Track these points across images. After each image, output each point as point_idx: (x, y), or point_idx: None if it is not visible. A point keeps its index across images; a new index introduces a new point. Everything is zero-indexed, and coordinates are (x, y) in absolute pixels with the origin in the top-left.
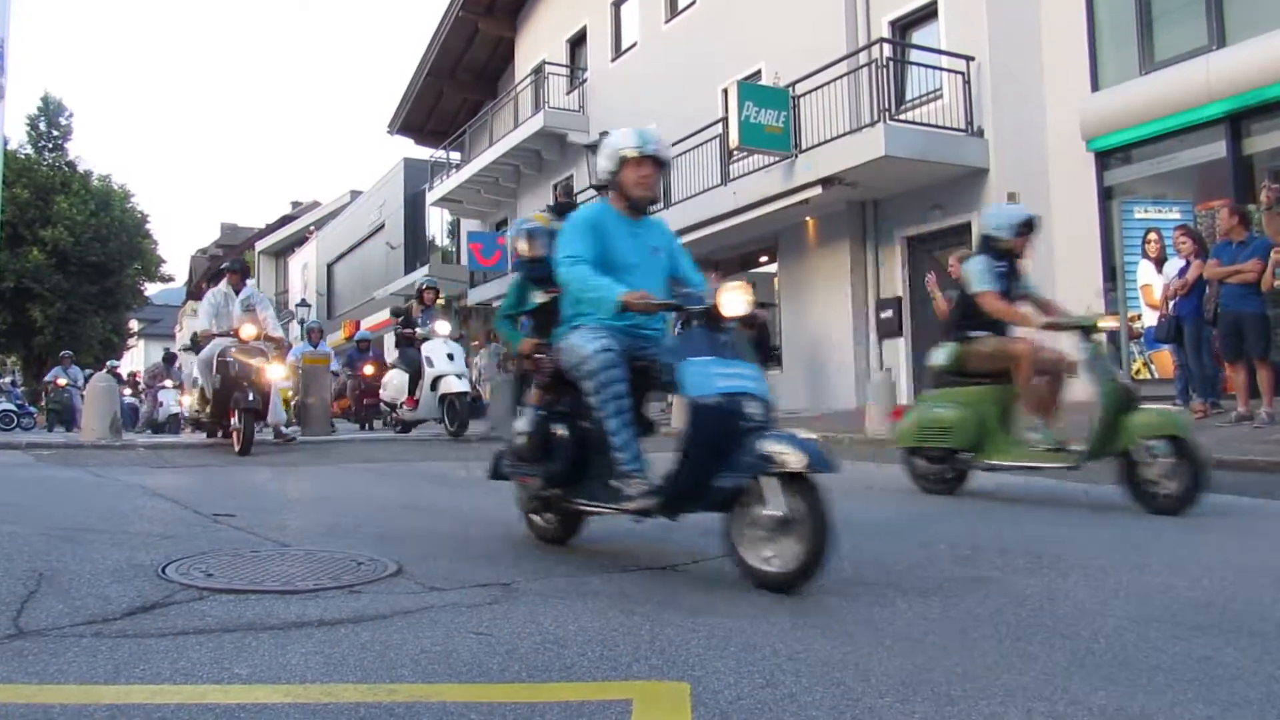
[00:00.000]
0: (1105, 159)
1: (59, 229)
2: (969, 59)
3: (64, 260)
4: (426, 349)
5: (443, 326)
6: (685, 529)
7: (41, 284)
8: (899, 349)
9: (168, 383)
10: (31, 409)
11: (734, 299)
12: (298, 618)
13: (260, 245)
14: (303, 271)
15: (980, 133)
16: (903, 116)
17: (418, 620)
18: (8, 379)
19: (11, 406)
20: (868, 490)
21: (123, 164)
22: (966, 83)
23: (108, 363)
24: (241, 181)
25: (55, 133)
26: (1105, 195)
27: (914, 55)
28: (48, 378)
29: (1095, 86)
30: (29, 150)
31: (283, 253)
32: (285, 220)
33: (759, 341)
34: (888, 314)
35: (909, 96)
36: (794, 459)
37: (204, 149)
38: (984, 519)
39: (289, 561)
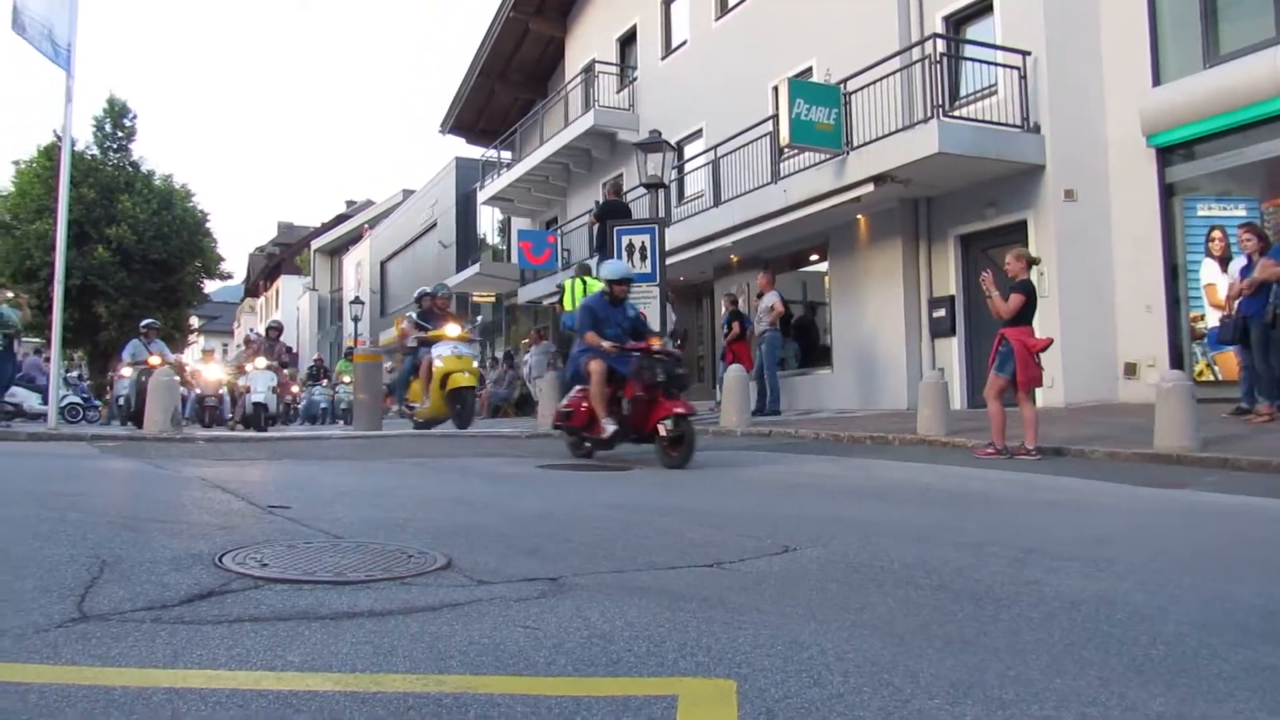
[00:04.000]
0: (1167, 155)
1: (123, 227)
2: (1025, 54)
3: (128, 258)
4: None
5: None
6: (734, 526)
7: (107, 281)
8: (952, 349)
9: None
10: (97, 402)
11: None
12: (349, 608)
13: (316, 243)
14: (356, 269)
15: (1036, 129)
16: (957, 113)
17: (466, 613)
18: (74, 373)
19: (78, 400)
20: (921, 492)
21: (184, 163)
22: (1022, 78)
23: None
24: (298, 181)
25: (120, 134)
26: (1167, 192)
27: (968, 50)
28: (125, 353)
29: (1156, 81)
30: (95, 151)
31: (337, 251)
32: (340, 219)
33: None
34: (940, 313)
35: (963, 92)
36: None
37: (262, 149)
38: (1039, 521)
39: (341, 553)
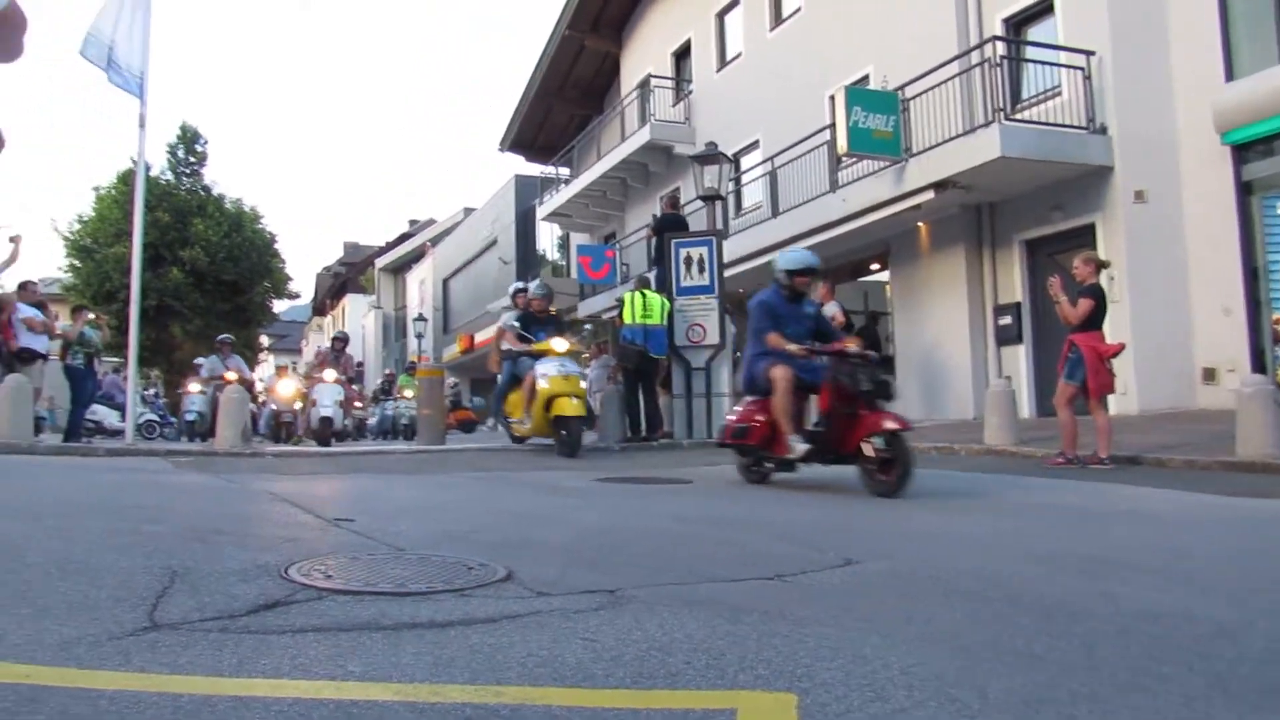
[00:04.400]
0: (1243, 152)
1: (196, 249)
2: (1089, 54)
3: (200, 279)
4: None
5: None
6: (794, 539)
7: (181, 302)
8: (1019, 356)
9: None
10: (172, 419)
11: None
12: (410, 619)
13: (380, 262)
14: (420, 287)
15: (1103, 129)
16: (1019, 116)
17: (525, 624)
18: (151, 391)
19: (154, 417)
20: (988, 502)
21: (253, 186)
22: (1087, 78)
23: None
24: (364, 201)
25: (192, 159)
26: (1244, 191)
27: (1030, 52)
28: (203, 369)
29: (1229, 76)
30: (169, 176)
31: (401, 269)
32: (404, 238)
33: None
34: (1006, 320)
35: (1025, 95)
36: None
37: (328, 171)
38: (1117, 531)
39: (403, 565)
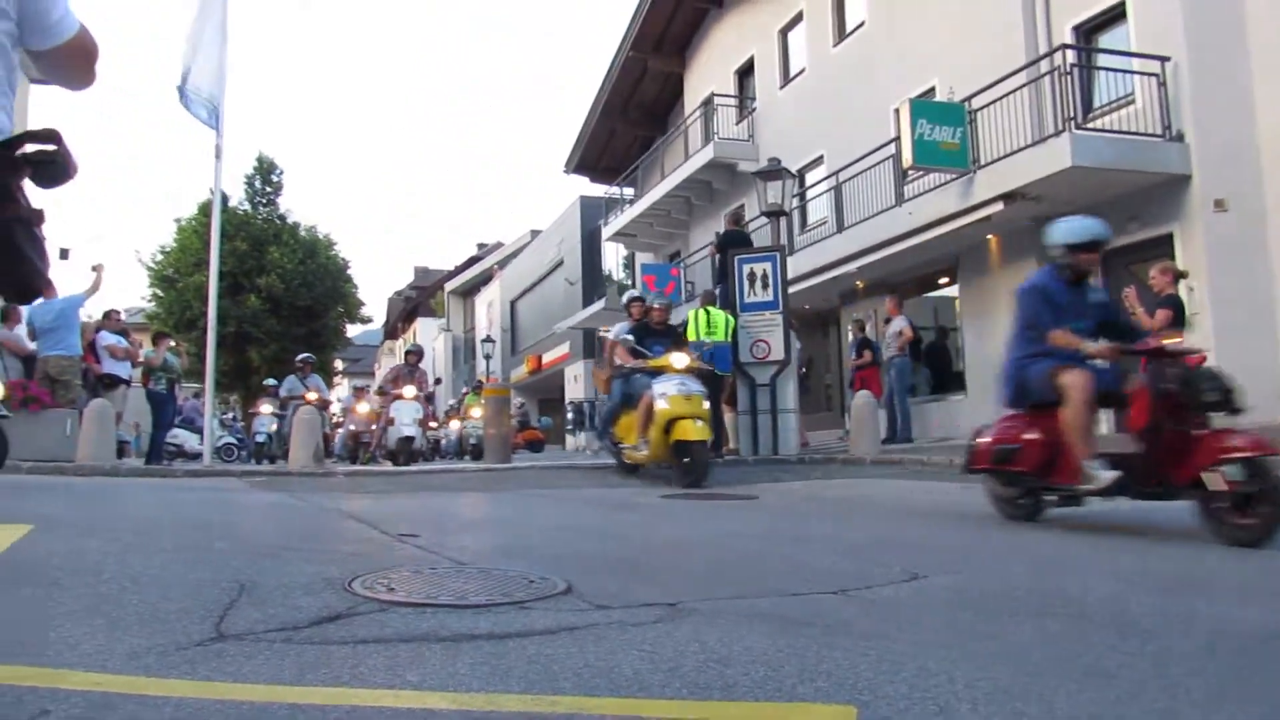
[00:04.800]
0: None
1: (272, 277)
2: (1164, 59)
3: (276, 305)
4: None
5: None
6: (858, 554)
7: (258, 328)
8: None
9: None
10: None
11: None
12: (469, 630)
13: (449, 286)
14: (488, 309)
15: (1180, 137)
16: (1091, 125)
17: (583, 636)
18: (229, 415)
19: (233, 440)
20: (1061, 517)
21: (326, 214)
22: (1162, 85)
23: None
24: (432, 226)
25: (268, 189)
26: None
27: (1101, 60)
28: (282, 389)
29: None
30: (246, 206)
31: (469, 292)
32: (472, 261)
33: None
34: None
35: (1097, 104)
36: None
37: (398, 196)
38: (1194, 548)
39: (464, 578)
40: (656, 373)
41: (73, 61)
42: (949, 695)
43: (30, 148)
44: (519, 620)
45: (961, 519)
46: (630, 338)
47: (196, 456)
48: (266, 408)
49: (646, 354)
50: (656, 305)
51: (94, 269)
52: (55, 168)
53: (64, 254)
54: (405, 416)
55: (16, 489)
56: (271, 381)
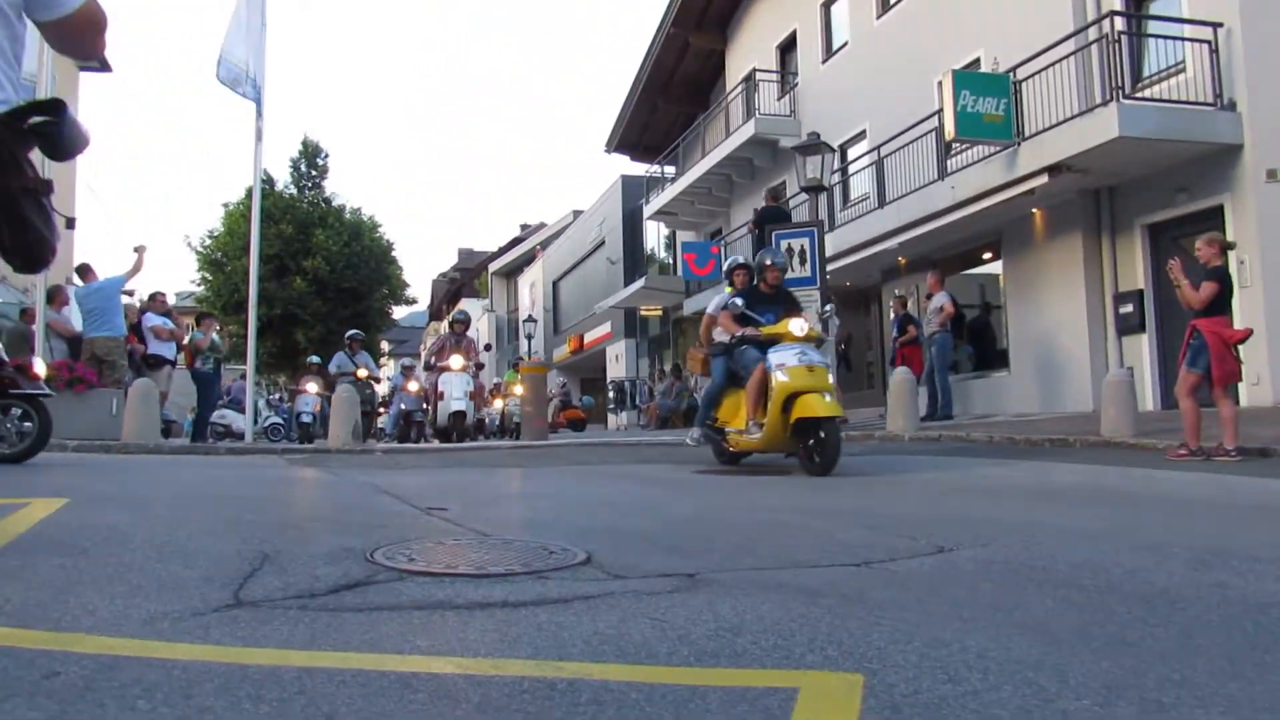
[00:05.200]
0: None
1: (318, 259)
2: (1216, 26)
3: (322, 287)
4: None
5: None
6: (887, 528)
7: (304, 310)
8: (1142, 346)
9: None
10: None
11: None
12: (484, 599)
13: (493, 267)
14: (530, 290)
15: (1232, 105)
16: (1139, 94)
17: (596, 605)
18: (276, 396)
19: (279, 420)
20: (1099, 494)
21: (371, 197)
22: (1214, 52)
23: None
24: (476, 208)
25: (314, 172)
26: None
27: (1151, 27)
28: (332, 365)
29: None
30: (293, 190)
31: (512, 273)
32: (515, 242)
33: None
34: (1128, 308)
35: (1146, 73)
36: None
37: (442, 178)
38: (1238, 523)
39: (485, 549)
40: (769, 343)
41: (80, 33)
42: (959, 664)
43: (36, 119)
44: (534, 589)
45: (989, 495)
46: (739, 301)
47: (244, 436)
48: (312, 386)
49: (759, 320)
50: (770, 262)
51: (136, 250)
52: (63, 139)
53: (70, 223)
54: (455, 389)
55: (59, 466)
56: (315, 359)
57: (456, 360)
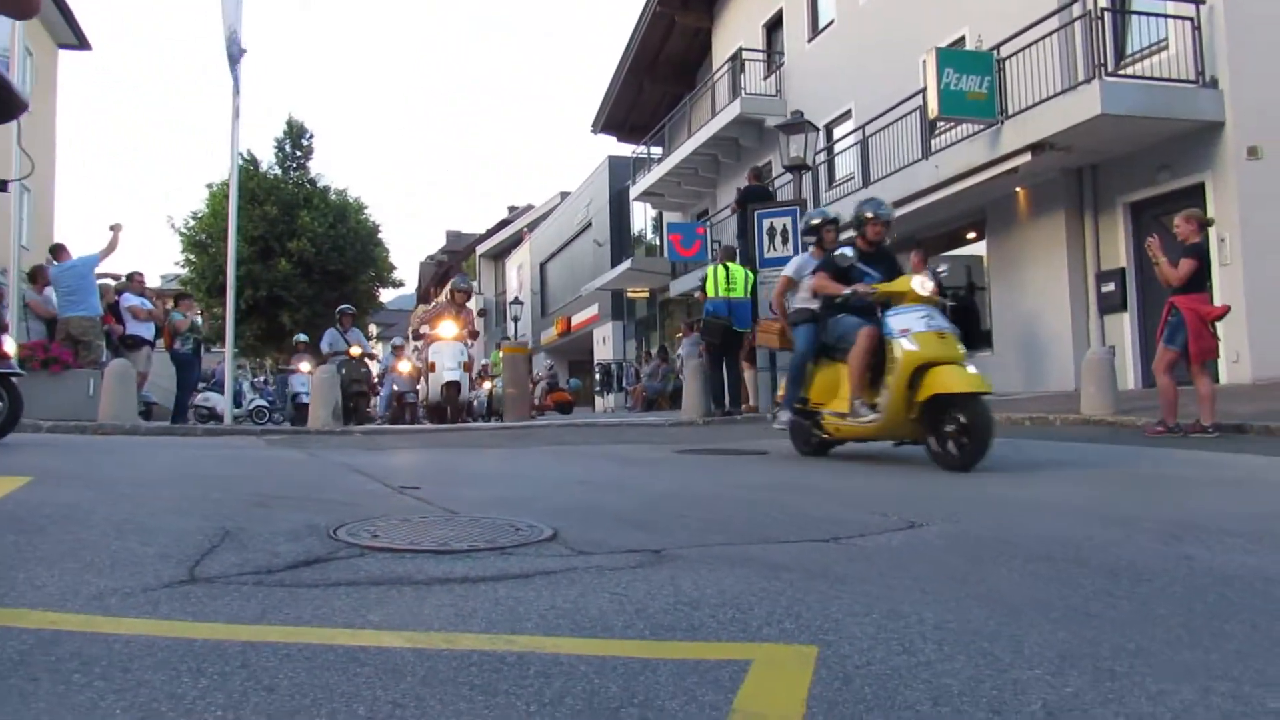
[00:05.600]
0: None
1: (303, 241)
2: (1199, 3)
3: (308, 269)
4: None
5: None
6: (861, 505)
7: (290, 292)
8: (1124, 325)
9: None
10: (282, 405)
11: None
12: (444, 574)
13: (481, 249)
14: (518, 272)
15: (1214, 83)
16: (1122, 72)
17: (557, 580)
18: (261, 379)
19: (264, 403)
20: (1076, 470)
21: (358, 178)
22: (1196, 29)
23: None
24: (464, 190)
25: (298, 153)
26: None
27: (1134, 4)
28: (324, 343)
29: None
30: (277, 170)
31: (500, 255)
32: (502, 224)
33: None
34: (1110, 287)
35: (1129, 50)
36: None
37: (431, 160)
38: (1209, 497)
39: (452, 526)
40: (868, 310)
41: None
42: (915, 635)
43: None
44: (496, 565)
45: (974, 472)
46: (848, 252)
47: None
48: (305, 365)
49: (869, 271)
50: (873, 215)
51: (111, 228)
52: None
53: (3, 186)
54: (447, 359)
55: (31, 446)
56: (303, 338)
57: (449, 327)
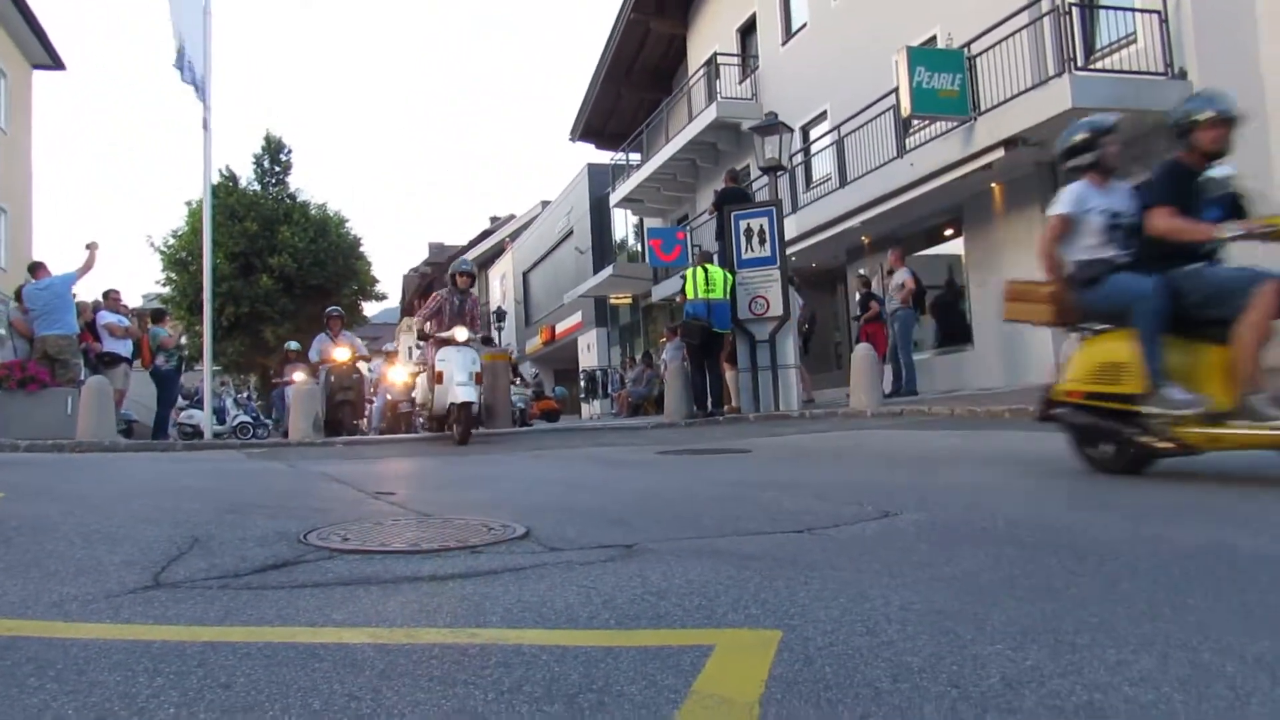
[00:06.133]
0: None
1: (284, 256)
2: None
3: (290, 284)
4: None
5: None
6: (837, 497)
7: (272, 307)
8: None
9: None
10: (267, 421)
11: None
12: (412, 574)
13: None
14: (501, 282)
15: (1183, 74)
16: (1091, 66)
17: (525, 576)
18: (244, 394)
19: (248, 419)
20: (1055, 459)
21: (338, 193)
22: (1164, 22)
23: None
24: (446, 202)
25: (277, 168)
26: None
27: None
28: (312, 352)
29: None
30: (256, 186)
31: (483, 266)
32: (485, 235)
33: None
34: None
35: (1098, 45)
36: None
37: (411, 173)
38: (1183, 479)
39: (424, 528)
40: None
41: None
42: (880, 617)
43: None
44: (465, 563)
45: (945, 463)
46: (1228, 171)
47: (217, 436)
48: (299, 375)
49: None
50: (1212, 113)
51: (88, 247)
52: None
53: None
54: (459, 371)
55: (4, 465)
56: (294, 345)
57: (462, 332)
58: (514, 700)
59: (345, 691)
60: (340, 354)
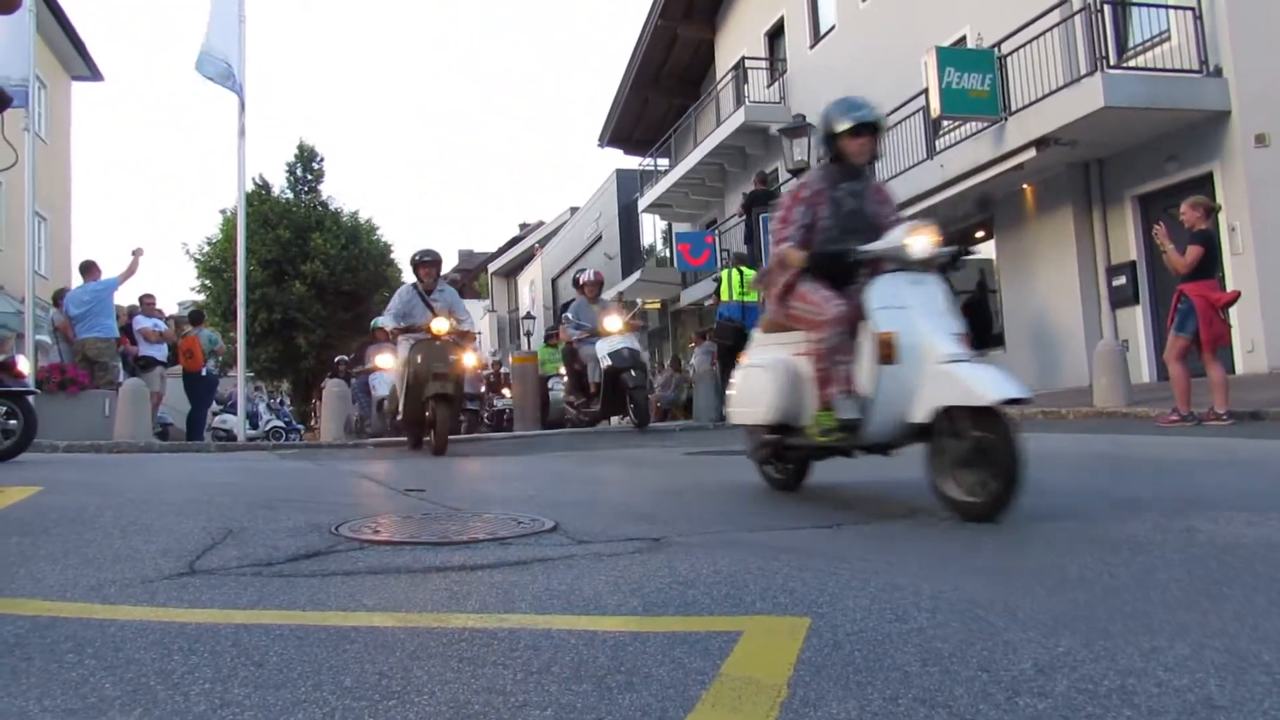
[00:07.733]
0: None
1: (316, 263)
2: None
3: (321, 291)
4: None
5: None
6: (865, 495)
7: (304, 314)
8: (1136, 318)
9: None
10: (299, 426)
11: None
12: (442, 564)
13: (492, 267)
14: (530, 288)
15: (1218, 72)
16: (1124, 65)
17: (554, 566)
18: (278, 399)
19: (281, 423)
20: (1085, 458)
21: (369, 200)
22: (1198, 18)
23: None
24: (475, 209)
25: (310, 176)
26: None
27: None
28: (390, 316)
29: None
30: (289, 194)
31: (512, 272)
32: (514, 241)
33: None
34: (1121, 281)
35: (1131, 43)
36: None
37: (442, 180)
38: (1213, 478)
39: (453, 522)
40: None
41: None
42: (910, 605)
43: None
44: (494, 554)
45: None
46: None
47: (250, 441)
48: (387, 360)
49: None
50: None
51: (133, 253)
52: None
53: None
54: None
55: (45, 464)
56: (383, 321)
57: (442, 323)
58: (543, 680)
59: (376, 670)
60: (439, 324)
